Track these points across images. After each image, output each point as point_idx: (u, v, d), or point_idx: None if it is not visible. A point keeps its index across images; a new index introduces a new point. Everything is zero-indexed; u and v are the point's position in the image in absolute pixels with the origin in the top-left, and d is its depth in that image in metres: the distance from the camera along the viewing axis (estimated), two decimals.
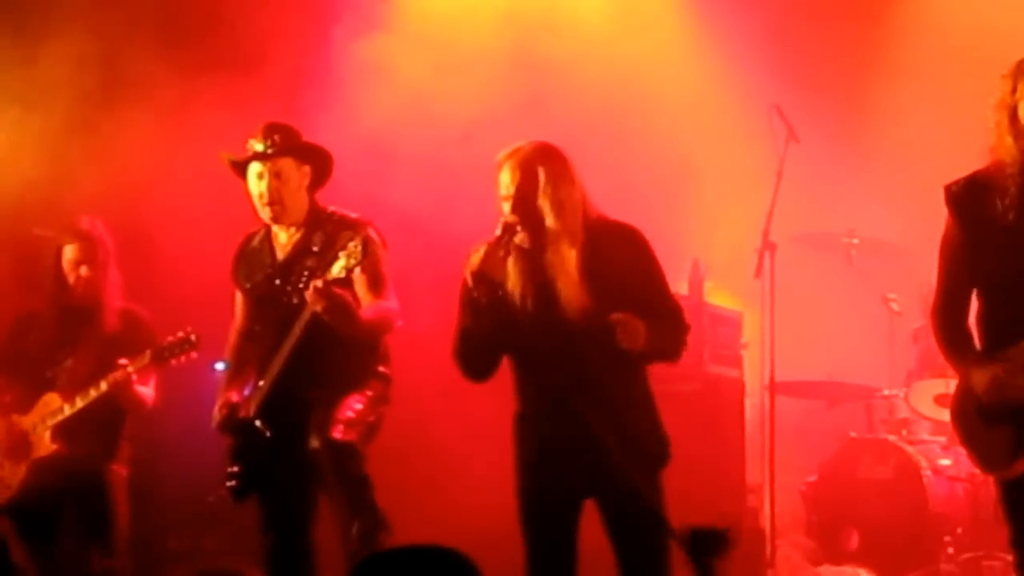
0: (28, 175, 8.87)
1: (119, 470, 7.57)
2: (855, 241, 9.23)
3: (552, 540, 6.11)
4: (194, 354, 7.30)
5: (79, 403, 7.40)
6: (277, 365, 6.75)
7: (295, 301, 6.81)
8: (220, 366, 7.94)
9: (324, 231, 6.89)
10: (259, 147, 6.85)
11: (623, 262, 6.00)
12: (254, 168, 6.86)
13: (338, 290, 6.58)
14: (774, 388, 8.40)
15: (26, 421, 7.64)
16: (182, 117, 9.08)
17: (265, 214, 6.88)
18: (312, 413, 6.83)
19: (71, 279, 7.67)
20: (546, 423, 6.06)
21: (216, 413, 7.00)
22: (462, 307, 6.08)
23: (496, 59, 9.70)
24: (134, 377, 7.35)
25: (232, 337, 7.17)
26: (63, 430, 7.48)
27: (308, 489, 6.90)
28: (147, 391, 7.55)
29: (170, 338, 7.28)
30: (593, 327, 5.85)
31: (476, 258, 5.96)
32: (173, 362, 7.37)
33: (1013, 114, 5.70)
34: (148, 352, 7.28)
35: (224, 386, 7.14)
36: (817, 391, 9.04)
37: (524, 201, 5.91)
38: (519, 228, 5.91)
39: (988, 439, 5.75)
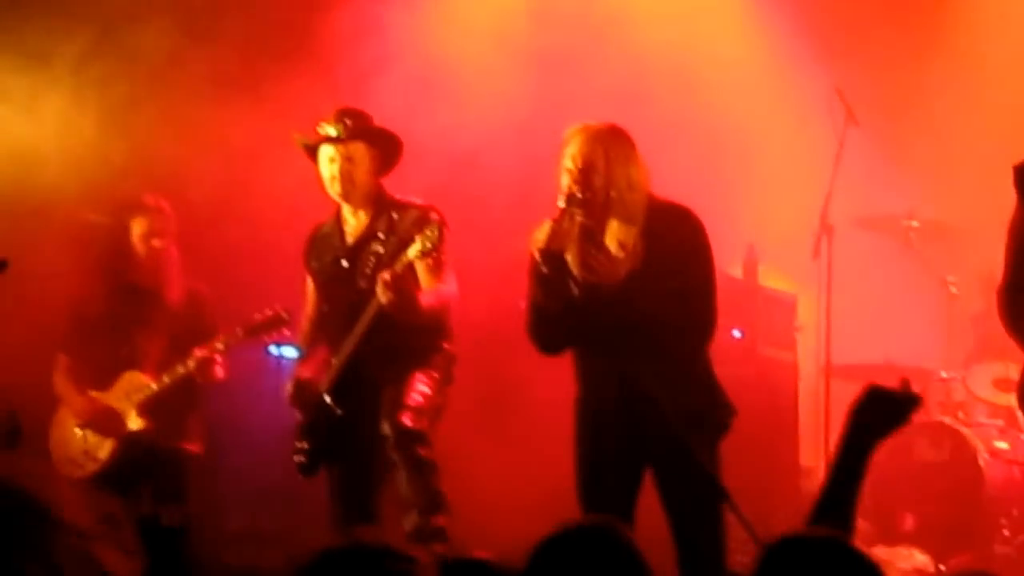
0: (79, 163, 8.85)
1: (193, 448, 7.67)
2: (914, 224, 9.13)
3: (607, 510, 5.95)
4: (286, 331, 7.45)
5: (166, 380, 7.50)
6: (349, 346, 6.89)
7: (362, 284, 6.95)
8: (275, 350, 8.61)
9: (389, 217, 7.01)
10: (332, 131, 6.97)
11: (678, 244, 6.09)
12: (326, 151, 6.99)
13: (402, 282, 6.74)
14: (829, 371, 8.41)
15: (110, 397, 7.68)
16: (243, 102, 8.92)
17: (334, 190, 6.99)
18: (382, 393, 6.92)
19: (141, 252, 7.70)
20: (605, 392, 6.13)
21: (288, 389, 7.15)
22: (532, 284, 6.17)
23: (547, 40, 9.67)
24: (216, 357, 7.50)
25: (303, 323, 7.29)
26: (148, 407, 7.56)
27: (374, 467, 7.00)
28: (219, 370, 7.67)
29: (258, 316, 7.40)
30: (645, 296, 5.98)
31: (541, 233, 6.04)
32: (265, 338, 7.60)
33: None
34: (239, 329, 7.40)
35: (297, 366, 7.30)
36: (873, 374, 8.95)
37: (588, 174, 5.98)
38: (580, 198, 5.96)
39: None
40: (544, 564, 3.32)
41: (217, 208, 8.69)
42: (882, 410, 3.83)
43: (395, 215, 7.07)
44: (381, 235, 7.02)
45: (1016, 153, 6.01)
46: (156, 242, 7.68)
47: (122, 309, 7.77)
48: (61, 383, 7.87)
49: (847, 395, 8.79)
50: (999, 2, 9.97)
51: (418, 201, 7.11)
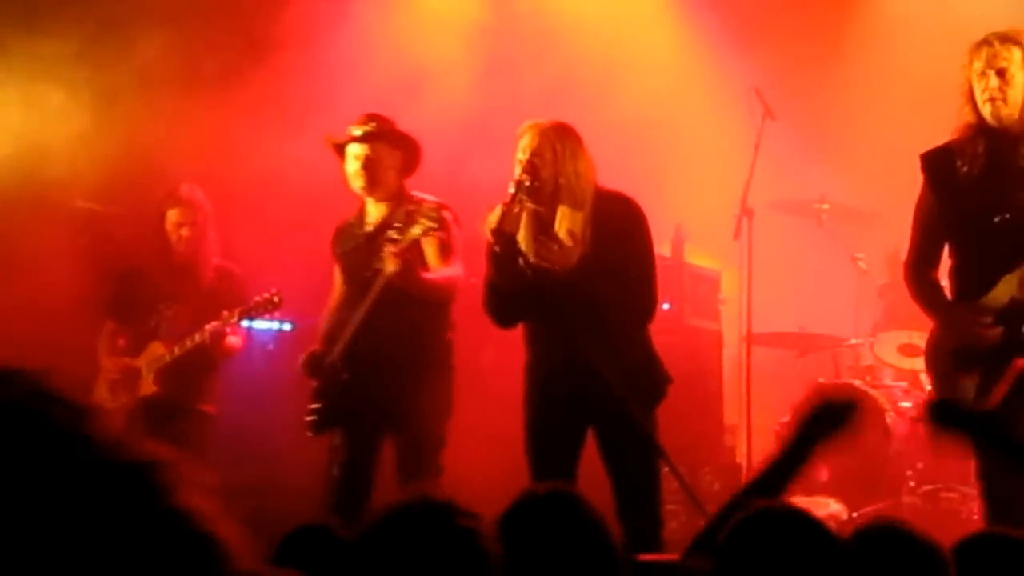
0: (70, 151, 8.75)
1: (208, 409, 7.78)
2: (825, 207, 9.20)
3: (553, 464, 6.20)
4: (277, 313, 7.76)
5: (177, 351, 7.61)
6: (359, 315, 6.94)
7: (377, 266, 7.05)
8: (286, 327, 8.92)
9: (407, 210, 7.09)
10: (358, 132, 7.14)
11: (624, 229, 6.20)
12: (352, 150, 7.13)
13: (408, 255, 6.82)
14: (750, 339, 8.50)
15: (137, 363, 7.83)
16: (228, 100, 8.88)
17: (357, 184, 7.13)
18: (393, 371, 7.03)
19: (173, 239, 7.84)
20: (553, 361, 6.23)
21: (303, 359, 7.21)
22: (488, 263, 6.29)
23: (495, 44, 9.75)
24: (227, 330, 7.62)
25: (330, 303, 7.39)
26: (164, 374, 7.68)
27: (378, 435, 7.08)
28: (235, 340, 7.85)
29: (257, 298, 7.52)
30: (594, 279, 6.05)
31: (493, 216, 6.12)
32: (258, 318, 7.83)
33: (968, 86, 5.94)
34: (237, 311, 7.51)
35: (318, 341, 7.35)
36: (789, 341, 9.12)
37: (537, 165, 6.09)
38: (529, 186, 6.06)
39: (956, 381, 5.95)
40: (510, 534, 3.16)
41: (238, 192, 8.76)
42: (831, 419, 3.82)
43: (410, 208, 7.12)
44: (397, 225, 7.07)
45: (917, 143, 6.34)
46: (186, 231, 7.80)
47: (160, 284, 7.90)
48: (100, 345, 8.02)
49: (765, 360, 8.96)
50: (902, 5, 10.08)
51: (432, 199, 7.23)
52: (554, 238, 6.24)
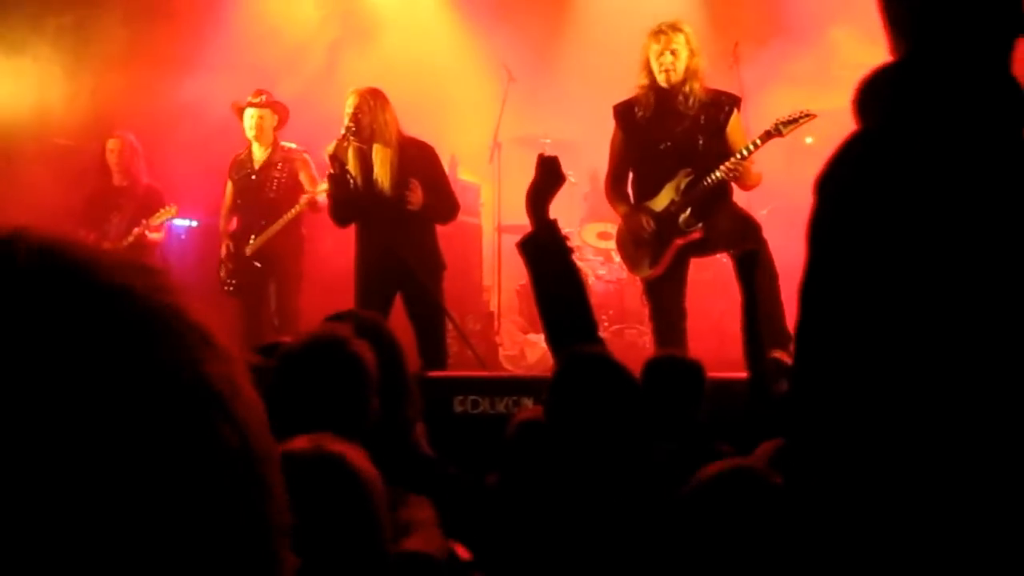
0: (53, 106, 8.73)
1: None
2: (548, 141, 9.12)
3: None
4: (179, 215, 7.86)
5: (118, 248, 7.50)
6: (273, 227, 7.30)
7: (266, 192, 7.40)
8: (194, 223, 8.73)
9: (281, 154, 7.55)
10: (253, 100, 7.46)
11: (421, 163, 6.41)
12: (248, 112, 7.48)
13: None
14: (501, 229, 8.71)
15: None
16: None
17: (250, 134, 7.47)
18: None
19: (113, 165, 7.87)
20: (374, 253, 6.44)
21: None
22: (327, 180, 6.50)
23: (333, 24, 9.67)
24: (147, 232, 7.65)
25: (222, 211, 7.55)
26: None
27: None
28: (159, 236, 7.84)
29: (161, 210, 7.66)
30: (400, 197, 6.27)
31: (330, 147, 6.37)
32: (163, 222, 7.80)
33: (646, 60, 6.11)
34: (150, 219, 7.62)
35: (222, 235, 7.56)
36: (525, 229, 8.78)
37: (358, 117, 6.25)
38: (352, 128, 6.24)
39: (636, 255, 6.19)
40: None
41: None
42: (549, 176, 3.66)
43: (284, 152, 7.52)
44: (278, 165, 7.51)
45: (610, 95, 6.47)
46: (122, 157, 7.83)
47: (106, 200, 7.89)
48: None
49: (509, 242, 8.06)
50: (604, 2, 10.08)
51: (297, 146, 7.55)
52: (373, 166, 6.24)
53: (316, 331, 2.99)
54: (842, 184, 1.92)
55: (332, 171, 6.38)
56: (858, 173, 1.91)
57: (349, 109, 6.32)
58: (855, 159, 1.92)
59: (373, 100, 6.32)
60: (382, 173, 6.30)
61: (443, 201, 6.49)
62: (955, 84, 1.85)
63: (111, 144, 7.92)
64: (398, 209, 6.26)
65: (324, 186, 6.96)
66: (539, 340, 8.01)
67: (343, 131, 6.31)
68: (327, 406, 2.69)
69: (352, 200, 6.38)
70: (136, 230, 7.66)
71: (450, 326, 6.75)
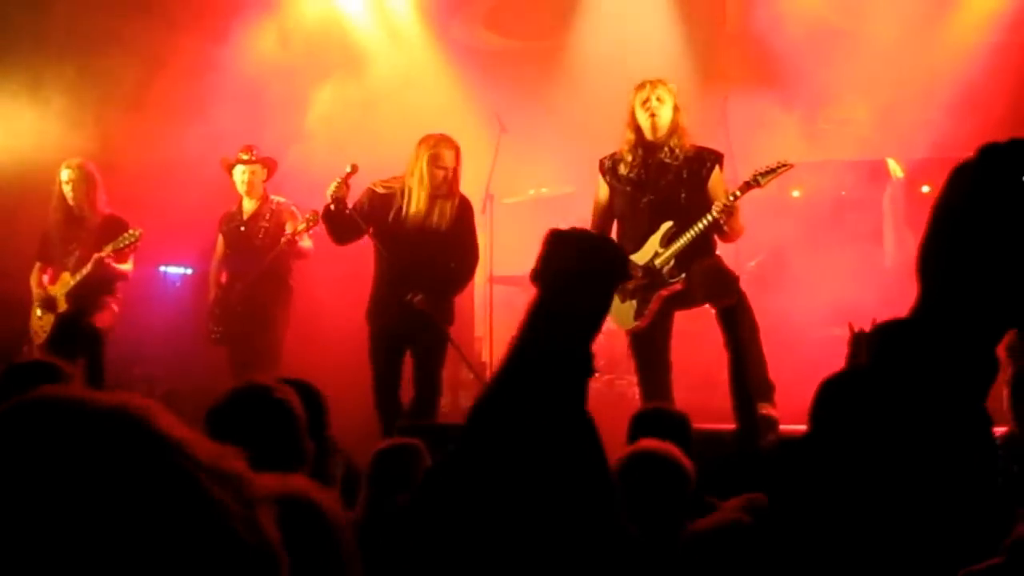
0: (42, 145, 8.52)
1: (105, 322, 7.42)
2: (544, 190, 9.53)
3: (387, 370, 6.55)
4: (137, 245, 7.39)
5: (77, 278, 7.44)
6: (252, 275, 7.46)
7: (255, 243, 7.51)
8: (163, 269, 8.65)
9: (271, 208, 7.73)
10: (244, 157, 7.61)
11: (468, 218, 6.67)
12: (239, 168, 7.62)
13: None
14: (493, 280, 8.70)
15: (54, 289, 7.60)
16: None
17: (241, 190, 7.64)
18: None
19: (69, 196, 7.60)
20: (393, 301, 6.53)
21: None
22: (324, 213, 6.66)
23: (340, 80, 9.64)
24: (108, 260, 7.36)
25: (214, 260, 7.64)
26: (71, 296, 7.43)
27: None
28: (126, 267, 7.57)
29: (122, 235, 7.34)
30: (445, 259, 6.47)
31: (331, 188, 6.55)
32: (127, 251, 7.45)
33: (632, 113, 6.21)
34: (108, 246, 7.31)
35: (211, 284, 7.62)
36: (519, 281, 8.27)
37: (449, 165, 6.50)
38: (449, 177, 6.51)
39: (621, 308, 6.09)
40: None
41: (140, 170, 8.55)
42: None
43: (274, 206, 7.69)
44: (267, 217, 7.70)
45: (606, 147, 6.53)
46: (79, 188, 7.55)
47: (66, 234, 7.65)
48: (32, 280, 7.79)
49: (503, 293, 8.84)
50: (592, 58, 9.93)
51: (285, 200, 7.65)
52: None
53: (238, 383, 3.03)
54: None
55: (331, 207, 6.53)
56: None
57: (448, 159, 6.53)
58: None
59: (457, 152, 6.59)
60: (440, 222, 6.50)
61: (474, 260, 6.78)
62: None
63: (65, 174, 7.64)
64: (435, 263, 6.46)
65: (302, 226, 7.23)
66: None
67: (348, 168, 6.53)
68: (260, 451, 2.56)
69: (392, 237, 6.55)
70: (95, 256, 7.36)
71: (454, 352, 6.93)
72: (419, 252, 6.52)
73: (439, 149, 6.55)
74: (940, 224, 1.38)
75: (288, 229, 7.56)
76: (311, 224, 7.35)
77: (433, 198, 6.53)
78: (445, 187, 6.54)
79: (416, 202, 6.52)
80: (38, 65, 8.65)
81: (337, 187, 6.54)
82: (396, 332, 6.57)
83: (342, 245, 6.77)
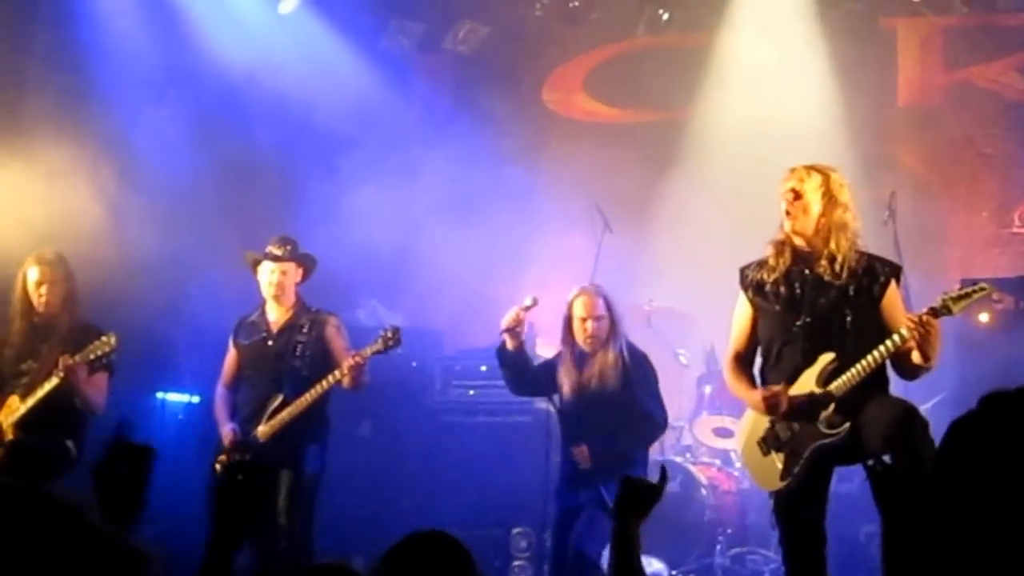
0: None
1: (70, 443, 6.71)
2: (653, 305, 9.01)
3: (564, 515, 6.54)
4: (112, 357, 6.70)
5: (29, 402, 6.73)
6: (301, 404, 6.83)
7: (290, 361, 7.03)
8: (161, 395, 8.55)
9: (310, 317, 7.09)
10: (277, 252, 7.12)
11: (636, 369, 6.67)
12: (267, 266, 7.12)
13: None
14: None
15: (1, 415, 6.92)
16: None
17: (268, 293, 7.11)
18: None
19: (35, 296, 6.92)
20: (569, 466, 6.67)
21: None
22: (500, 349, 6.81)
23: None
24: (82, 371, 6.66)
25: (224, 379, 7.24)
26: (21, 423, 6.73)
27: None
28: (98, 397, 6.80)
29: (91, 348, 6.66)
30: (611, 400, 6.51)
31: (506, 318, 6.57)
32: (98, 363, 6.72)
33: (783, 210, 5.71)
34: (78, 356, 6.60)
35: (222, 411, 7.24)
36: None
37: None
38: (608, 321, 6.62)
39: (763, 461, 5.70)
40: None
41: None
42: (639, 495, 3.73)
43: (312, 315, 7.10)
44: (304, 327, 7.10)
45: (727, 255, 6.14)
46: (44, 288, 6.86)
47: (20, 346, 6.99)
48: None
49: None
50: (721, 140, 9.88)
51: (328, 311, 7.27)
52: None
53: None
54: None
55: (504, 337, 6.59)
56: None
57: (596, 307, 6.63)
58: None
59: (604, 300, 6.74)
60: (612, 377, 6.58)
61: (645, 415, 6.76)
62: None
63: (32, 272, 6.99)
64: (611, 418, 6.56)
65: (378, 345, 6.70)
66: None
67: (528, 301, 6.55)
68: None
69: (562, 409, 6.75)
70: (63, 362, 6.65)
71: None
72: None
73: (570, 310, 6.75)
74: None
75: (333, 349, 6.96)
76: (389, 343, 6.78)
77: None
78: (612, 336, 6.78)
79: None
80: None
81: (512, 319, 6.64)
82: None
83: (521, 394, 7.04)
